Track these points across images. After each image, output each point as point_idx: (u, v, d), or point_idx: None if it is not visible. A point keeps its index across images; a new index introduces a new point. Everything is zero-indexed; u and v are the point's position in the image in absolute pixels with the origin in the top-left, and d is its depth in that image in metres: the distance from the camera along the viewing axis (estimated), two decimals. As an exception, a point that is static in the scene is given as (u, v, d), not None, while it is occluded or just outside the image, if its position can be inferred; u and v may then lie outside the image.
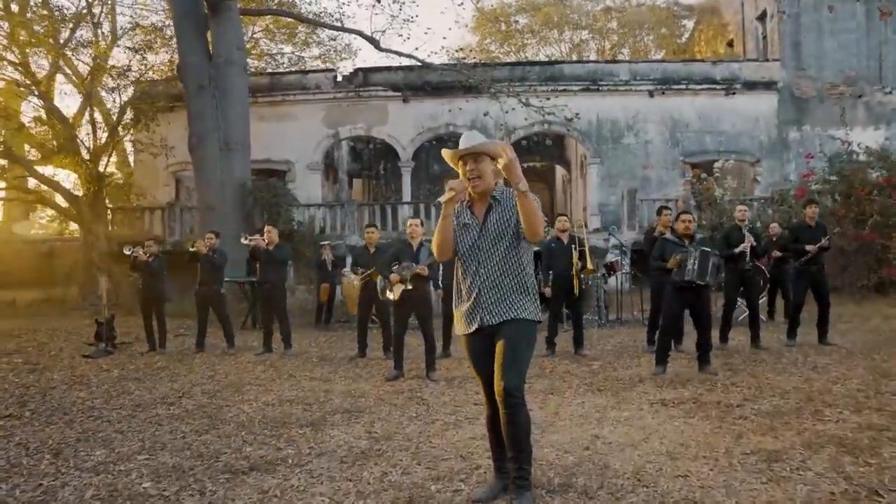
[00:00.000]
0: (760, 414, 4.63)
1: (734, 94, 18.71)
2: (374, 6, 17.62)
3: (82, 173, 17.39)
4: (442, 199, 3.07)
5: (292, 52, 24.22)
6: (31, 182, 19.23)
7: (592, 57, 30.65)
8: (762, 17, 20.31)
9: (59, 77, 19.12)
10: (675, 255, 6.35)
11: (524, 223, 3.01)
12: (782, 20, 18.78)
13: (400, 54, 16.54)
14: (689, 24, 29.50)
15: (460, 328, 3.25)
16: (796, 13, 18.70)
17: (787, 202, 14.49)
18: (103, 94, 19.00)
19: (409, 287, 6.39)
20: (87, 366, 7.93)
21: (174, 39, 15.99)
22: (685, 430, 4.32)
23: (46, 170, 18.87)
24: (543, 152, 24.70)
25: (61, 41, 17.54)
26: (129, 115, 17.99)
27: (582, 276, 8.01)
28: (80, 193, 17.85)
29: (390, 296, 6.54)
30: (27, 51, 17.34)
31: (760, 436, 4.08)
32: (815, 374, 6.11)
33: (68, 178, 20.53)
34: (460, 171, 3.16)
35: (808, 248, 7.65)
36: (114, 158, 20.30)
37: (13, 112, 17.65)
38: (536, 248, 8.64)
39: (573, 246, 7.85)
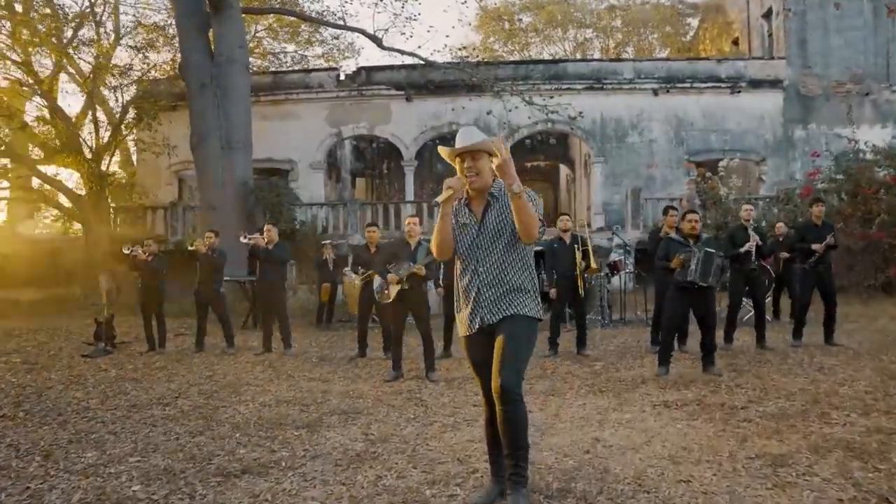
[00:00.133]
0: (765, 416, 4.53)
1: (739, 92, 18.56)
2: (376, 4, 17.72)
3: (85, 172, 17.37)
4: (440, 198, 3.00)
5: (295, 51, 24.20)
6: (35, 182, 19.22)
7: (596, 55, 30.53)
8: (768, 15, 20.16)
9: (63, 76, 19.16)
10: (679, 254, 6.25)
11: (518, 225, 2.94)
12: (788, 18, 18.62)
13: (402, 52, 16.47)
14: (694, 22, 29.34)
15: (461, 330, 3.18)
16: (802, 10, 18.53)
17: (793, 201, 14.35)
18: (106, 92, 18.98)
19: (406, 286, 6.30)
20: (85, 366, 7.88)
21: (176, 38, 15.96)
22: (688, 432, 4.22)
23: (49, 169, 18.87)
24: (547, 151, 24.62)
25: (64, 40, 17.53)
26: (131, 114, 17.97)
27: (585, 275, 7.92)
28: (83, 193, 17.84)
29: (386, 296, 6.46)
30: (30, 50, 17.34)
31: (765, 439, 3.97)
32: (821, 375, 5.99)
33: (71, 178, 20.52)
34: (458, 169, 3.09)
35: (815, 247, 7.54)
36: (117, 158, 20.31)
37: (16, 111, 17.63)
38: (539, 248, 8.59)
39: (576, 245, 7.76)
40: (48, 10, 17.56)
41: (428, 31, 40.72)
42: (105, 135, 18.10)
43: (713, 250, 6.19)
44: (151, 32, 18.73)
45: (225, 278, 9.73)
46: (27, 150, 18.77)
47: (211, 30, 14.55)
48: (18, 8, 17.35)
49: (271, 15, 21.68)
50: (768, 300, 10.17)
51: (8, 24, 16.71)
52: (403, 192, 20.45)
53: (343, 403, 5.44)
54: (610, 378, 6.23)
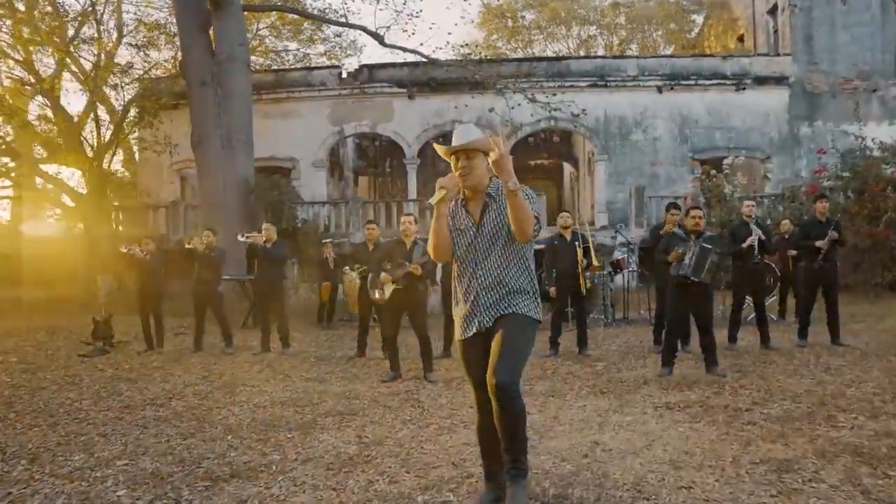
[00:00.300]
0: (770, 419, 4.40)
1: (744, 89, 18.39)
2: (378, 1, 17.45)
3: (86, 171, 17.33)
4: (433, 199, 2.90)
5: (297, 49, 24.13)
6: (38, 181, 19.20)
7: (600, 52, 30.33)
8: (773, 11, 19.96)
9: (65, 75, 19.10)
10: (678, 248, 6.16)
11: (512, 223, 2.84)
12: (794, 14, 18.44)
13: (404, 50, 16.37)
14: (699, 18, 29.14)
15: (457, 332, 3.08)
16: (808, 6, 18.35)
17: (798, 199, 14.19)
18: (108, 91, 18.93)
19: (400, 286, 6.19)
20: (81, 365, 7.80)
21: (178, 36, 15.88)
22: (690, 436, 4.10)
23: (51, 168, 18.86)
24: (551, 149, 24.47)
25: (67, 39, 17.49)
26: (133, 112, 17.91)
27: (587, 273, 7.80)
28: (85, 191, 17.80)
29: (379, 295, 6.36)
30: (31, 48, 17.30)
31: (770, 443, 3.85)
32: (827, 376, 5.86)
33: (73, 177, 20.50)
34: (452, 166, 2.99)
35: (819, 244, 7.40)
36: (120, 156, 20.30)
37: (18, 110, 17.60)
38: (539, 247, 8.47)
39: (576, 243, 7.64)
40: (49, 9, 17.52)
41: (430, 29, 40.59)
42: (107, 133, 18.07)
43: (709, 246, 6.07)
44: (152, 30, 18.66)
45: (224, 277, 9.66)
46: (30, 148, 18.76)
47: (212, 27, 14.46)
48: (20, 7, 17.34)
49: (273, 13, 21.61)
50: (774, 299, 10.05)
51: (9, 22, 16.67)
52: (406, 191, 20.35)
53: (339, 404, 5.35)
54: (611, 379, 6.11)
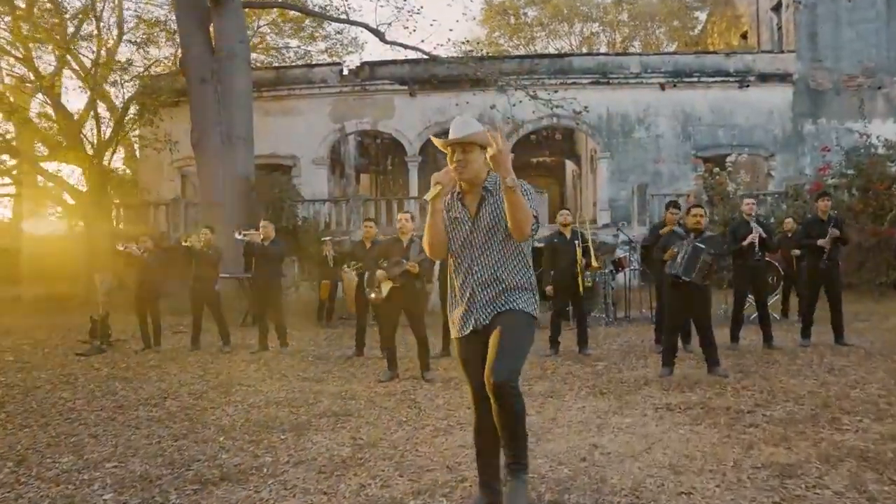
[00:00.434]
0: (773, 421, 4.31)
1: (748, 86, 18.26)
2: (379, -3, 17.36)
3: (86, 168, 17.28)
4: (428, 195, 2.81)
5: (299, 47, 24.04)
6: (40, 179, 19.15)
7: (603, 50, 30.18)
8: (777, 8, 19.82)
9: (66, 72, 19.04)
10: (674, 247, 6.07)
11: (510, 221, 2.75)
12: (798, 10, 18.29)
13: (405, 47, 16.29)
14: (702, 16, 28.98)
15: (453, 331, 2.99)
16: (813, 3, 18.21)
17: (802, 197, 14.07)
18: (108, 88, 18.88)
19: (397, 284, 6.11)
20: (77, 364, 7.74)
21: (178, 33, 15.81)
22: (691, 438, 4.01)
23: (51, 165, 18.80)
24: (553, 147, 24.35)
25: (67, 36, 17.42)
26: (133, 110, 17.85)
27: (587, 273, 7.70)
28: (85, 189, 17.75)
29: (376, 293, 6.28)
30: (30, 45, 17.23)
31: (773, 447, 3.76)
32: (831, 377, 5.76)
33: (73, 174, 20.45)
34: (448, 160, 2.90)
35: (821, 242, 7.30)
36: (121, 154, 20.23)
37: (18, 107, 17.54)
38: (538, 244, 8.38)
39: (576, 242, 7.54)
40: (49, 6, 17.45)
41: (431, 25, 40.37)
42: (107, 131, 18.00)
43: (703, 246, 5.97)
44: (152, 27, 18.58)
45: (223, 275, 9.59)
46: (31, 146, 18.71)
47: (212, 24, 14.39)
48: (20, 3, 17.27)
49: (275, 10, 21.51)
50: (777, 298, 9.95)
51: (8, 18, 16.61)
52: (408, 188, 20.26)
53: (334, 405, 5.27)
54: (612, 379, 6.02)
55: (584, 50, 29.88)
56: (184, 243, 8.70)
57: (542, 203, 16.07)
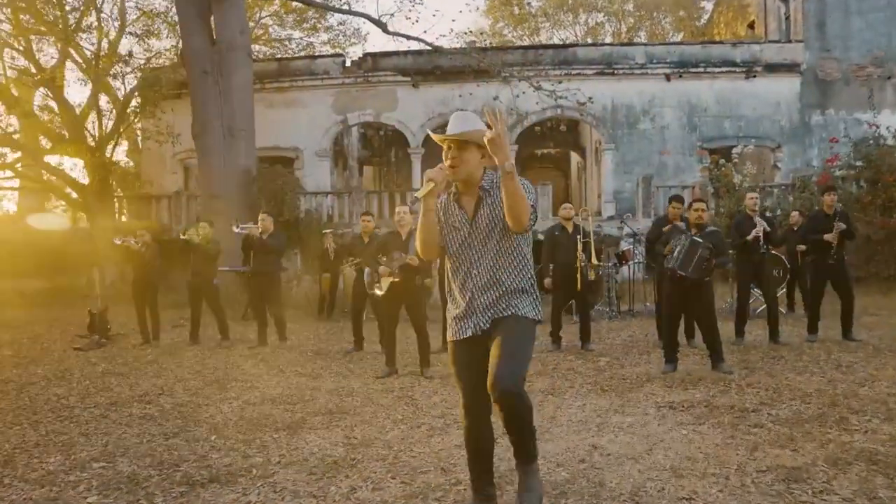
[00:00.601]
0: (778, 421, 4.19)
1: (755, 76, 17.98)
2: (381, -12, 17.17)
3: (88, 161, 17.21)
4: (420, 192, 2.68)
5: (301, 38, 23.87)
6: (43, 173, 19.08)
7: (608, 40, 29.87)
8: (785, -3, 19.51)
9: (68, 65, 18.93)
10: (672, 241, 5.96)
11: (507, 210, 2.61)
12: (806, -1, 17.99)
13: (408, 37, 16.16)
14: (709, 5, 28.59)
15: (450, 333, 2.87)
16: (821, -8, 17.89)
17: (809, 189, 13.86)
18: (110, 80, 18.76)
19: (396, 278, 6.01)
20: (74, 359, 7.68)
21: (179, 25, 15.68)
22: (693, 439, 3.90)
23: (53, 158, 18.74)
24: (558, 139, 24.11)
25: (69, 28, 17.30)
26: (135, 102, 17.75)
27: (584, 265, 7.57)
28: (87, 182, 17.68)
29: (378, 290, 6.17)
30: (32, 38, 17.14)
31: (778, 448, 3.64)
32: (839, 374, 5.63)
33: (76, 167, 20.38)
34: (444, 155, 2.78)
35: (827, 237, 7.14)
36: (124, 146, 20.14)
37: (20, 100, 17.46)
38: (539, 236, 8.25)
39: (578, 236, 7.41)
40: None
41: (433, 16, 40.08)
42: (109, 124, 17.91)
43: (700, 241, 5.84)
44: (152, 19, 18.44)
45: (223, 269, 9.50)
46: (36, 140, 18.63)
47: (212, 16, 14.25)
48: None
49: (277, 1, 21.35)
50: (782, 292, 9.80)
51: (9, 10, 16.51)
52: (411, 181, 20.11)
53: (330, 402, 5.18)
54: (614, 375, 5.91)
55: (589, 40, 29.57)
56: (182, 237, 8.60)
57: (543, 195, 15.88)
